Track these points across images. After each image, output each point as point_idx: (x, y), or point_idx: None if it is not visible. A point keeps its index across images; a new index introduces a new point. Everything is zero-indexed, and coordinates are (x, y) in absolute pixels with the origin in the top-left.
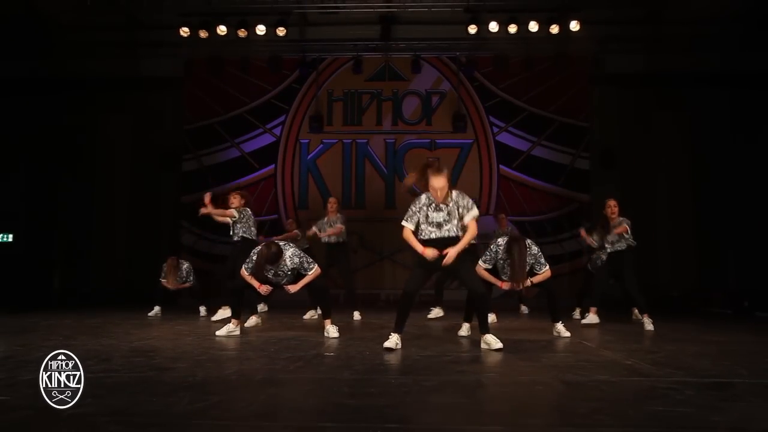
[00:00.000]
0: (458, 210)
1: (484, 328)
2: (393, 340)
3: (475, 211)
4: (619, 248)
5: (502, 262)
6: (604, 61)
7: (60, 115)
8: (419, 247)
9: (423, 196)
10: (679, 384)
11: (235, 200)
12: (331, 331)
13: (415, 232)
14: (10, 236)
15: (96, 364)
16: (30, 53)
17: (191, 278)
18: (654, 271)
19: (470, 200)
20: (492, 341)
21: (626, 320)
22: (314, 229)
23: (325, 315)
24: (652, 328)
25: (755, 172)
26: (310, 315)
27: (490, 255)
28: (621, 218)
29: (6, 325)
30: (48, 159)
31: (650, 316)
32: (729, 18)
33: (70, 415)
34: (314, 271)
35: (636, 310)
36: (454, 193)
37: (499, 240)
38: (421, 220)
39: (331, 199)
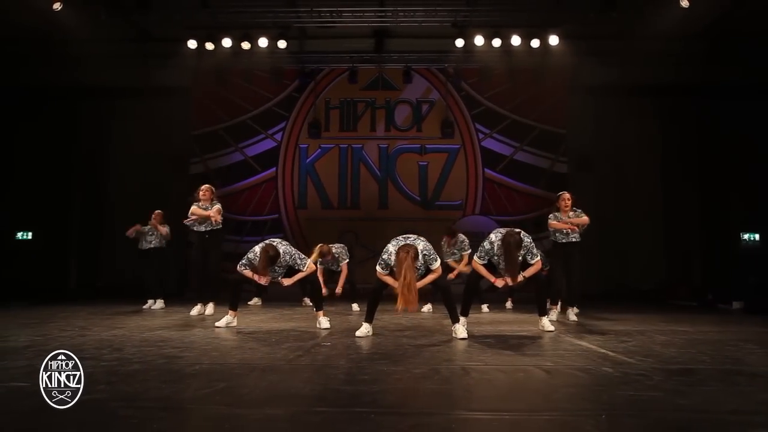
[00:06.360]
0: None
1: (456, 318)
2: (363, 330)
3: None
4: (573, 239)
5: (497, 258)
6: (581, 73)
7: (76, 121)
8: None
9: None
10: (649, 370)
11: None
12: (323, 322)
13: None
14: (30, 234)
15: (109, 353)
16: (49, 64)
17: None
18: (625, 267)
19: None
20: (460, 330)
21: (603, 312)
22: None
23: (317, 307)
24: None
25: (716, 175)
26: (305, 303)
27: (484, 251)
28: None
29: (26, 317)
30: (65, 163)
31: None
32: (693, 35)
33: (85, 400)
34: (308, 267)
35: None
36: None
37: (491, 236)
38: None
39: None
